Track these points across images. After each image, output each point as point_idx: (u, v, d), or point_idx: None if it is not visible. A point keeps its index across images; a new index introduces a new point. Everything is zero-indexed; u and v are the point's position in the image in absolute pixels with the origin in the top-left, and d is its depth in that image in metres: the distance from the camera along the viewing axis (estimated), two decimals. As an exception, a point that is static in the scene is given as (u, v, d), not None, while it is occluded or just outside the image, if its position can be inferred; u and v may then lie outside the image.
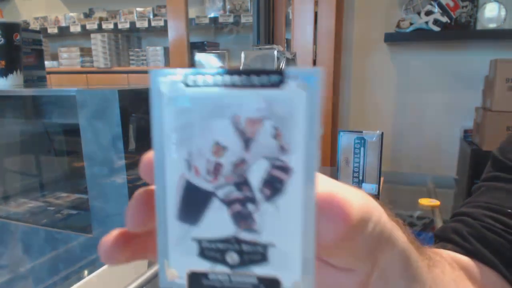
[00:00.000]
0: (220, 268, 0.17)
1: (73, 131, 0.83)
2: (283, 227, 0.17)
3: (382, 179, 0.82)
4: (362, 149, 0.79)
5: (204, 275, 0.17)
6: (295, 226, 0.17)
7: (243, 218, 0.17)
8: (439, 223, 0.80)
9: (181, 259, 0.17)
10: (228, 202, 0.17)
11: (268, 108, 0.16)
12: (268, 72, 0.16)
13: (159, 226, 0.18)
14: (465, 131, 2.10)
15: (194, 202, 0.17)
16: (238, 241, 0.17)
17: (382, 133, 0.78)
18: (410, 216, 0.87)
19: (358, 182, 0.80)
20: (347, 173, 0.81)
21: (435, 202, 0.88)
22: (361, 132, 0.79)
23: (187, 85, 0.17)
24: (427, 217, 0.85)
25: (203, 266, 0.17)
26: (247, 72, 0.16)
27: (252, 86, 0.16)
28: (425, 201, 0.88)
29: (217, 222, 0.17)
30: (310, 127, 0.16)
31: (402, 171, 2.23)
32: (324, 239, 0.17)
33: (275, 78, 0.16)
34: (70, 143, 1.06)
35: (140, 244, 0.19)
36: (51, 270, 0.83)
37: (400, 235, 0.24)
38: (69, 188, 1.07)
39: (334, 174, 0.89)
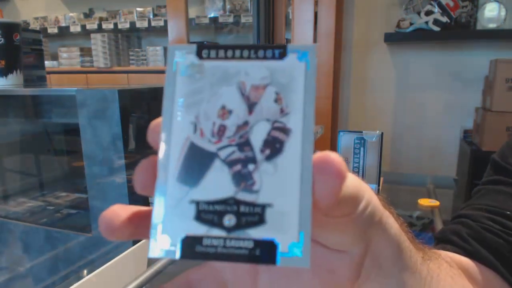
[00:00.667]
0: (216, 232, 0.17)
1: (73, 131, 0.83)
2: (282, 186, 0.17)
3: (381, 179, 0.82)
4: (362, 149, 0.79)
5: (198, 240, 0.17)
6: (293, 185, 0.17)
7: (243, 178, 0.17)
8: (438, 224, 0.80)
9: (176, 222, 0.17)
10: (230, 162, 0.18)
11: (271, 76, 0.18)
12: (271, 47, 0.18)
13: (158, 189, 0.18)
14: (465, 131, 2.10)
15: (196, 163, 0.18)
16: (236, 202, 0.17)
17: (382, 133, 0.78)
18: (410, 216, 0.87)
19: (358, 182, 0.80)
20: (346, 173, 0.81)
21: (434, 202, 0.88)
22: (361, 132, 0.79)
23: (200, 57, 0.19)
24: (427, 217, 0.85)
25: (198, 230, 0.17)
26: (254, 47, 0.18)
27: (258, 58, 0.18)
28: (424, 202, 0.88)
29: (217, 183, 0.17)
30: (307, 93, 0.18)
31: (401, 171, 2.23)
32: (320, 198, 0.17)
33: (277, 51, 0.18)
34: (69, 142, 1.06)
35: (142, 220, 0.19)
36: (50, 269, 0.83)
37: (392, 221, 0.24)
38: (68, 187, 1.07)
39: (334, 174, 0.88)
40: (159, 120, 0.19)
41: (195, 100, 0.18)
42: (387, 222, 0.23)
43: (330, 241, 0.22)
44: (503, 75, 1.73)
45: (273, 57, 0.18)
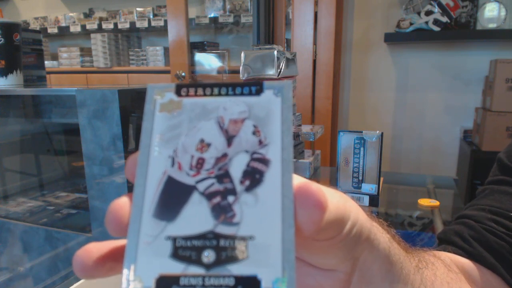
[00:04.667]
0: (194, 270, 0.16)
1: (73, 131, 0.83)
2: (263, 217, 0.16)
3: (381, 179, 0.82)
4: (362, 149, 0.79)
5: (175, 279, 0.16)
6: (275, 215, 0.16)
7: (222, 211, 0.17)
8: (438, 224, 0.80)
9: (150, 262, 0.16)
10: (208, 195, 0.17)
11: (249, 111, 0.18)
12: (248, 84, 0.19)
13: (132, 226, 0.17)
14: (465, 132, 2.10)
15: (173, 197, 0.17)
16: (216, 235, 0.16)
17: (382, 133, 0.78)
18: (410, 217, 0.87)
19: (358, 182, 0.80)
20: (346, 173, 0.81)
21: (434, 202, 0.87)
22: (361, 132, 0.79)
23: (179, 95, 0.19)
24: (427, 217, 0.85)
25: (175, 268, 0.16)
26: (231, 84, 0.19)
27: (235, 95, 0.19)
28: (424, 202, 0.88)
29: (196, 216, 0.17)
30: (285, 125, 0.18)
31: (401, 172, 2.23)
32: (302, 227, 0.17)
33: (254, 88, 0.19)
34: (69, 142, 1.06)
35: (118, 257, 0.18)
36: (50, 269, 0.83)
37: (380, 236, 0.24)
38: (68, 187, 1.07)
39: (334, 174, 0.88)
40: (136, 155, 0.18)
41: (173, 134, 0.18)
42: (375, 238, 0.23)
43: (316, 261, 0.22)
44: (503, 75, 1.73)
45: (250, 93, 0.19)
